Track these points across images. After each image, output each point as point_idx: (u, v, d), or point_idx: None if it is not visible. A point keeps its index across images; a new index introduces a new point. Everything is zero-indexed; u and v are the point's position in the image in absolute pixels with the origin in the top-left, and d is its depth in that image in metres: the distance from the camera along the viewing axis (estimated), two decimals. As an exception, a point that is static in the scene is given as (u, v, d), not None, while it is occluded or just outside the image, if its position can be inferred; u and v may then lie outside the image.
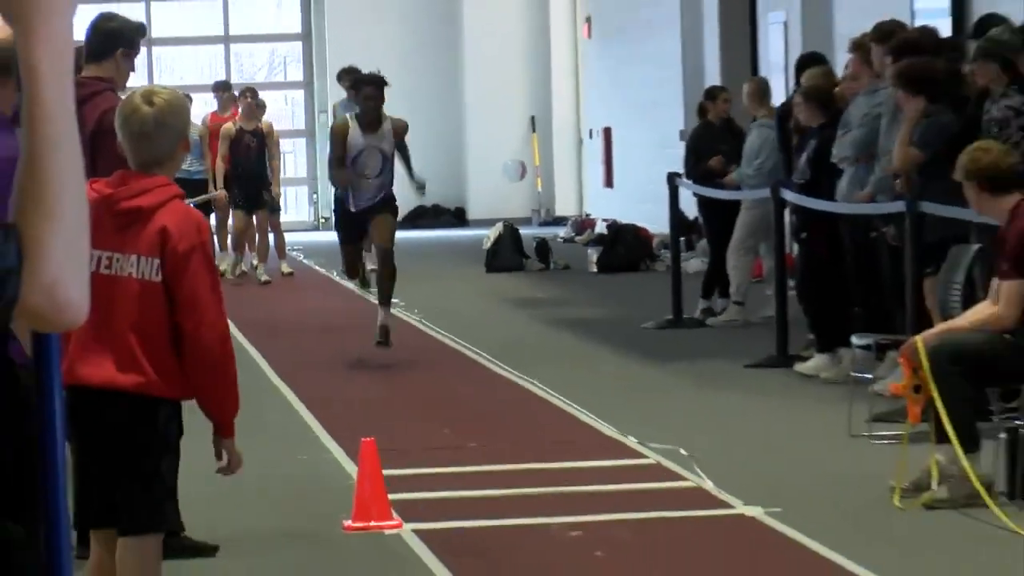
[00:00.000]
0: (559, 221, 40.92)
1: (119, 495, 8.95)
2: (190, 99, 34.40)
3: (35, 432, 7.98)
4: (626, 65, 41.59)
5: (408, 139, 21.65)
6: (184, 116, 10.36)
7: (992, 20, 21.49)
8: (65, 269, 3.29)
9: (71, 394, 8.14)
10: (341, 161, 18.08)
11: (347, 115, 17.05)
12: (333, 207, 19.26)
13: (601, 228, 37.90)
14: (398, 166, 20.14)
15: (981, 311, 14.36)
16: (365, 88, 16.88)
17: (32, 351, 3.84)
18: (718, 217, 27.97)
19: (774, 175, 24.85)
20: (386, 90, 22.71)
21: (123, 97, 11.22)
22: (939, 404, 13.48)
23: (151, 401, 9.17)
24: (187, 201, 10.65)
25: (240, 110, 35.41)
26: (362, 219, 17.93)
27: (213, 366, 9.01)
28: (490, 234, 37.06)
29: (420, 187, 19.32)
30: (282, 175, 38.13)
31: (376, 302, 20.02)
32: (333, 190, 20.58)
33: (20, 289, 3.28)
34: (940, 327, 15.12)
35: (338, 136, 17.09)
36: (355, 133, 16.14)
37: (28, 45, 3.34)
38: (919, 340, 14.43)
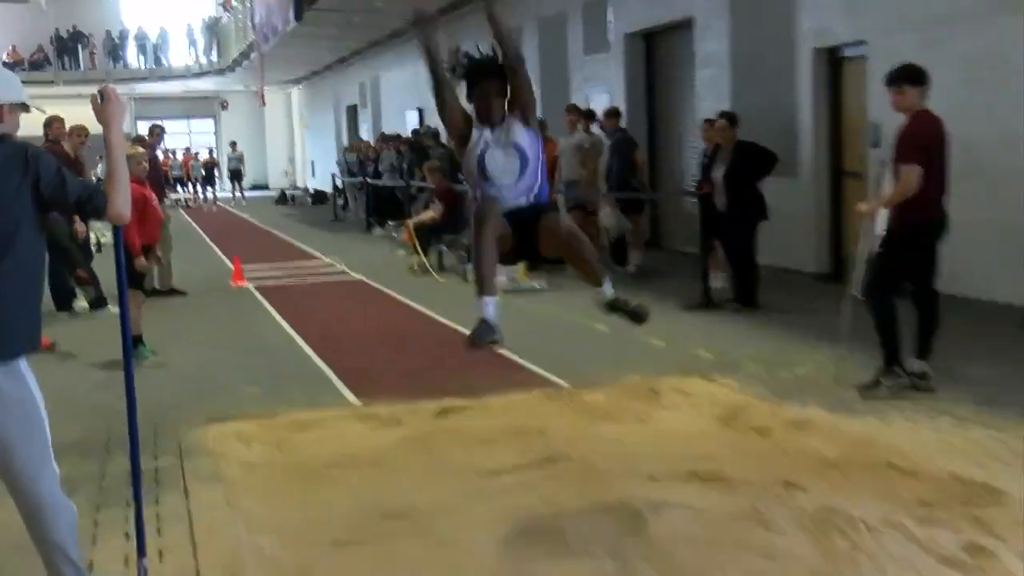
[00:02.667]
0: (297, 188, 39.60)
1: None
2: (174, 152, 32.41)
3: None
4: (317, 137, 39.33)
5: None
6: (134, 155, 9.05)
7: None
8: (122, 206, 3.57)
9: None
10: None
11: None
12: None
13: (310, 190, 35.15)
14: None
15: (428, 213, 14.57)
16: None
17: (112, 234, 4.00)
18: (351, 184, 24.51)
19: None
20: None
21: None
22: (415, 241, 13.70)
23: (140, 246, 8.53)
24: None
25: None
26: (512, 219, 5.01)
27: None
28: (274, 192, 34.63)
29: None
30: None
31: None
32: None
33: (105, 212, 3.59)
34: (415, 218, 15.03)
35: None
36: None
37: (108, 133, 3.69)
38: (409, 222, 14.57)
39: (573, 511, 4.70)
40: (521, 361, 8.03)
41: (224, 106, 44.65)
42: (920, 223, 6.55)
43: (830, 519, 4.21)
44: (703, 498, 4.77)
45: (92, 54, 41.42)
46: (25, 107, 3.84)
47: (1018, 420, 5.77)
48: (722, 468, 5.15)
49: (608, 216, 12.50)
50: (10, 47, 40.19)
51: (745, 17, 12.59)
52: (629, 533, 4.37)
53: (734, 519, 4.42)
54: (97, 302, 11.26)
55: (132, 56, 42.37)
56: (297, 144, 44.78)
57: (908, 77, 6.64)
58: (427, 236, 14.46)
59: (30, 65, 39.68)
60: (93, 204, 3.68)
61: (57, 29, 40.81)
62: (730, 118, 10.25)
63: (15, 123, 3.80)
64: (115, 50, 41.79)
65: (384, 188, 20.91)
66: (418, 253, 14.10)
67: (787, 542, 4.07)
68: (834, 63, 11.45)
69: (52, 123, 11.21)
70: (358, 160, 23.99)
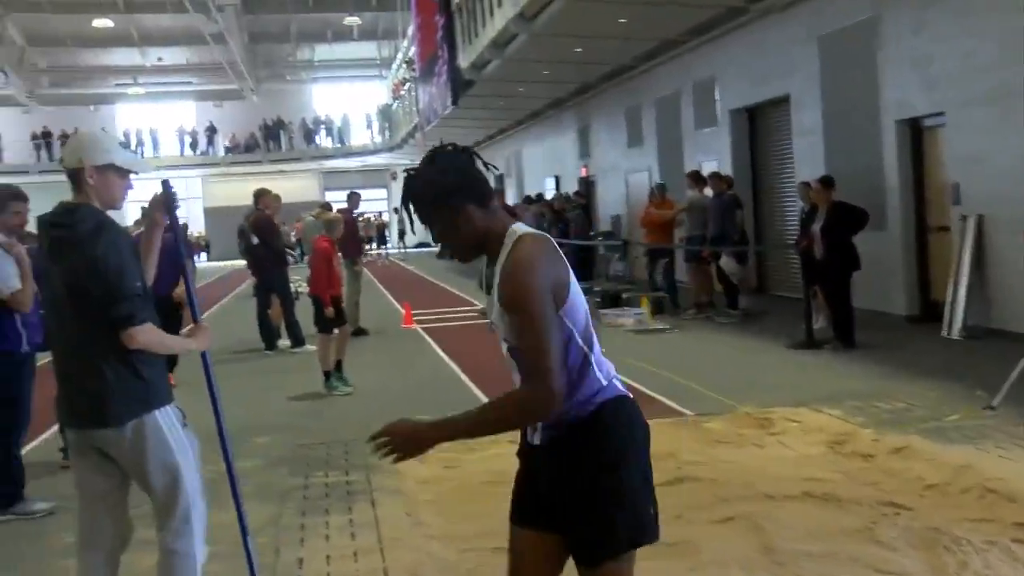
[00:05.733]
0: None
1: None
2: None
3: None
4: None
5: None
6: (336, 220, 9.28)
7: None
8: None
9: None
10: None
11: None
12: None
13: None
14: None
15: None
16: None
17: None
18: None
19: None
20: None
21: None
22: None
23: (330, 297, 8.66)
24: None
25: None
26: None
27: None
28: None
29: None
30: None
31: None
32: None
33: (126, 329, 3.05)
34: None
35: None
36: None
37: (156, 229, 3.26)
38: None
39: (703, 526, 4.54)
40: (650, 392, 7.88)
41: (394, 177, 45.50)
42: None
43: (937, 538, 3.95)
44: (818, 516, 4.55)
45: (291, 137, 43.76)
46: (120, 171, 3.19)
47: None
48: (833, 489, 4.91)
49: (728, 263, 12.33)
50: (231, 134, 42.78)
51: (835, 93, 12.32)
52: (755, 547, 4.19)
53: (848, 536, 4.19)
54: (296, 342, 11.48)
55: (322, 138, 44.15)
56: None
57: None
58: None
59: (244, 148, 42.50)
60: (116, 313, 3.03)
61: (264, 118, 43.03)
62: (825, 181, 10.09)
63: (107, 186, 3.16)
64: (309, 134, 43.76)
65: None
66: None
67: (899, 558, 3.83)
68: (915, 132, 11.07)
69: (262, 195, 11.42)
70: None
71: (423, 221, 2.35)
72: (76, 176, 3.13)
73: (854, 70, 11.74)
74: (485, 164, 2.37)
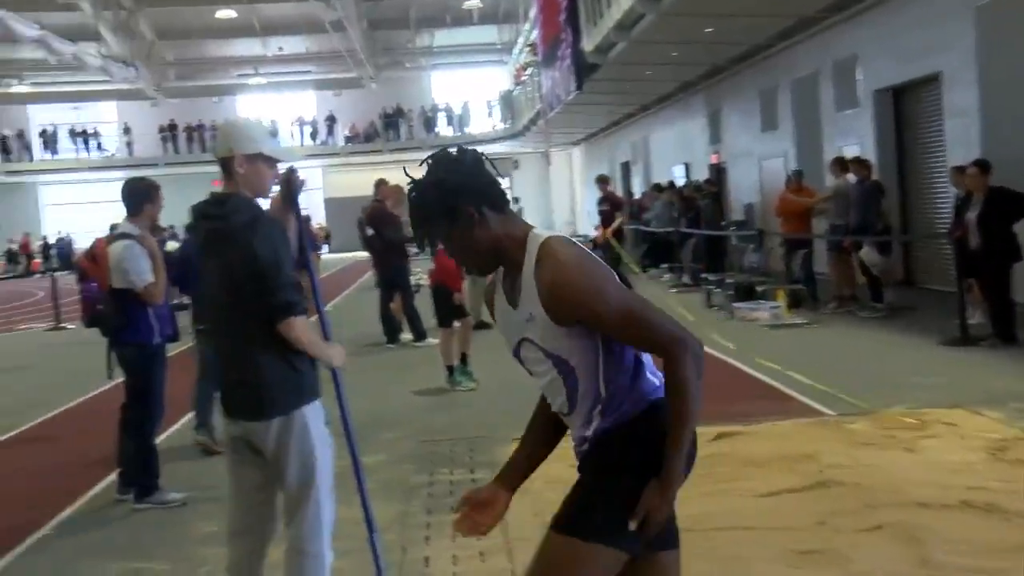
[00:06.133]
0: (579, 235, 38.51)
1: None
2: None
3: None
4: (596, 190, 38.99)
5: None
6: None
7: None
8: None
9: None
10: None
11: None
12: None
13: (589, 237, 34.13)
14: None
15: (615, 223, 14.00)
16: None
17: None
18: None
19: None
20: None
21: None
22: (619, 248, 13.10)
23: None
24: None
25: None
26: None
27: None
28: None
29: None
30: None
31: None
32: None
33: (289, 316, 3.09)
34: (611, 230, 14.47)
35: None
36: None
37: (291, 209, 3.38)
38: (607, 233, 13.99)
39: (850, 534, 4.39)
40: (787, 390, 7.67)
41: (515, 165, 45.75)
42: None
43: (1120, 558, 3.70)
44: (979, 528, 4.34)
45: (410, 126, 44.44)
46: (269, 160, 3.26)
47: None
48: (996, 500, 4.66)
49: (869, 254, 11.88)
50: (351, 124, 43.78)
51: (994, 70, 11.73)
52: (910, 559, 4.02)
53: (1016, 552, 3.97)
54: (418, 335, 11.61)
55: (442, 126, 44.64)
56: (577, 197, 44.28)
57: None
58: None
59: (364, 138, 43.43)
60: (276, 302, 3.08)
61: (384, 107, 43.86)
62: (982, 165, 9.68)
63: (257, 175, 3.22)
64: (428, 122, 44.37)
65: (656, 234, 20.08)
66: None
67: (1077, 580, 3.60)
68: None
69: (380, 185, 11.63)
70: (638, 209, 22.96)
71: (436, 235, 2.27)
72: (227, 165, 3.21)
73: (1017, 44, 11.16)
74: (493, 166, 2.28)
